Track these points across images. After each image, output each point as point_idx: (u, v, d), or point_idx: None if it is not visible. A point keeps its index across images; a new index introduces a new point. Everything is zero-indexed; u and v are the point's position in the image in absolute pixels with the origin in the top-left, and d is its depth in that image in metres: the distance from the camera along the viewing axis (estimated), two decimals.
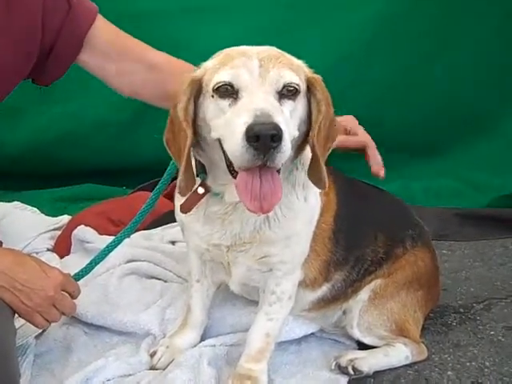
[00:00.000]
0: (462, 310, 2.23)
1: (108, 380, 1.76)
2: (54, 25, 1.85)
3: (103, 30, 1.96)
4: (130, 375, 1.79)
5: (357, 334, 1.92)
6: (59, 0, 1.87)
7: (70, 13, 1.88)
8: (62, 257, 2.37)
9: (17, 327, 1.72)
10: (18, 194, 3.06)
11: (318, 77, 1.56)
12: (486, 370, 1.89)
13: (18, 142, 3.21)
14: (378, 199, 2.00)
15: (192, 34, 3.26)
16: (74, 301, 1.80)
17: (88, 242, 2.35)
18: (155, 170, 2.91)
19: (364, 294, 1.92)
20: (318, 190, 1.72)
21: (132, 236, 2.48)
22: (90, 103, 3.21)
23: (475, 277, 2.51)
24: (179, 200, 1.71)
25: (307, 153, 1.63)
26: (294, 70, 1.48)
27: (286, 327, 1.91)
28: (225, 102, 1.45)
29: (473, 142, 3.58)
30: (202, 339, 1.94)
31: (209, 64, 1.53)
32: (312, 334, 2.00)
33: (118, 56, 1.97)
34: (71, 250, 2.40)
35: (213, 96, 1.47)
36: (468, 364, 1.92)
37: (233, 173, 1.48)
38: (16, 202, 2.72)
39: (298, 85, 1.47)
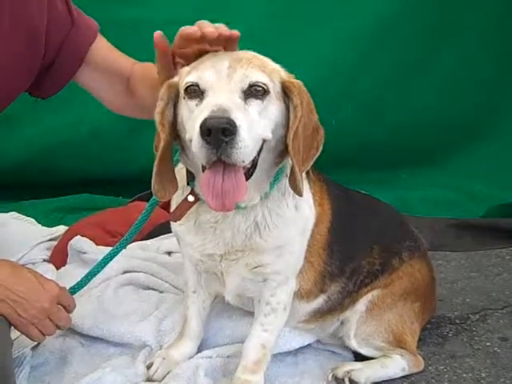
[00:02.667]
0: (457, 321, 2.24)
1: None
2: (56, 40, 1.88)
3: (102, 49, 2.00)
4: None
5: (354, 344, 1.92)
6: (63, 16, 1.89)
7: (72, 30, 1.91)
8: (58, 267, 2.37)
9: (13, 339, 1.72)
10: (14, 204, 3.05)
11: (297, 82, 1.55)
12: (482, 381, 1.90)
13: (15, 152, 3.20)
14: (374, 210, 2.01)
15: None
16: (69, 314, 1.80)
17: (84, 253, 2.35)
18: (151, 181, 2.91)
19: (361, 304, 1.92)
20: (311, 200, 1.73)
21: (128, 247, 2.48)
22: (86, 113, 3.21)
23: (471, 287, 2.51)
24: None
25: None
26: (264, 72, 1.49)
27: (282, 339, 1.91)
28: (193, 103, 1.48)
29: (469, 151, 3.60)
30: (199, 350, 1.93)
31: (185, 68, 1.55)
32: (308, 345, 2.00)
33: (111, 75, 2.01)
34: (67, 261, 2.39)
35: (184, 98, 1.50)
36: (464, 375, 1.93)
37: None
38: (12, 213, 2.72)
39: (265, 84, 1.48)
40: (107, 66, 2.00)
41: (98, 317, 2.03)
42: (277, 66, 1.57)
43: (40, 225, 2.75)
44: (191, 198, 1.64)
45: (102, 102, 2.08)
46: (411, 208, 3.22)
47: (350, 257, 1.88)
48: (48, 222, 2.81)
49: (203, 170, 1.48)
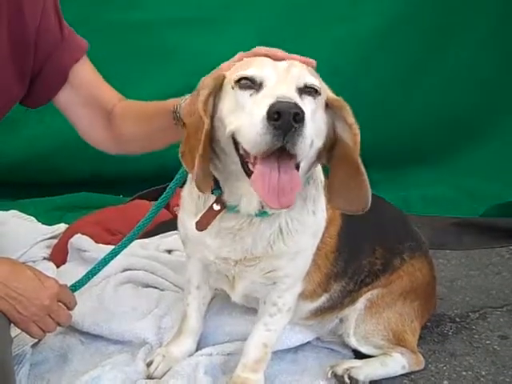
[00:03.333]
0: (457, 319, 2.24)
1: None
2: (44, 51, 1.86)
3: (87, 71, 1.96)
4: None
5: (353, 342, 1.92)
6: (54, 29, 1.88)
7: (61, 44, 1.89)
8: (58, 265, 2.37)
9: (13, 336, 1.72)
10: (14, 202, 3.05)
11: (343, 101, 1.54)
12: (481, 379, 1.90)
13: (15, 150, 3.20)
14: (380, 211, 2.00)
15: (182, 45, 3.28)
16: (70, 311, 1.80)
17: (84, 251, 2.35)
18: (152, 179, 2.92)
19: (360, 303, 1.92)
20: (324, 204, 1.70)
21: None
22: None
23: (471, 286, 2.52)
24: (185, 213, 1.70)
25: (318, 170, 1.64)
26: (317, 78, 1.48)
27: (282, 336, 1.91)
28: (246, 93, 1.42)
29: (469, 150, 3.61)
30: (199, 348, 1.94)
31: (237, 64, 1.53)
32: (308, 342, 2.00)
33: (92, 103, 1.95)
34: (67, 259, 2.40)
35: (233, 88, 1.45)
36: (464, 373, 1.93)
37: (248, 172, 1.43)
38: (13, 211, 2.72)
39: (319, 87, 1.46)
40: (90, 91, 1.95)
41: (98, 315, 2.03)
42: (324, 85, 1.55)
43: (40, 223, 2.74)
44: (217, 207, 1.59)
45: (78, 131, 2.03)
46: (411, 207, 3.23)
47: (354, 258, 1.88)
48: (48, 221, 2.81)
49: (247, 169, 1.43)
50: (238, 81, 1.44)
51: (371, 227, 1.89)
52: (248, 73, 1.44)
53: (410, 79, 3.51)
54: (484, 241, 2.95)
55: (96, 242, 2.43)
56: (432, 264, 2.08)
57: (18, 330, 1.74)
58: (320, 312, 1.91)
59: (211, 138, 1.50)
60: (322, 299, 1.88)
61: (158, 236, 2.59)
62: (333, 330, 1.98)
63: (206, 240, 1.67)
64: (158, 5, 3.28)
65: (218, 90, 1.50)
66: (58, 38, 1.88)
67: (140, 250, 2.41)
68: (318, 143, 1.49)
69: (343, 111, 1.51)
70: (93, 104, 1.95)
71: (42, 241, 2.51)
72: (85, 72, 1.95)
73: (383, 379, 1.88)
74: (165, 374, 1.83)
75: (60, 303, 1.74)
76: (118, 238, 2.51)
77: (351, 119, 1.50)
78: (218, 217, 1.61)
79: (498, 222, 3.05)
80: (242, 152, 1.43)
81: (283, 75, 1.43)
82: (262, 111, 1.30)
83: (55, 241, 2.53)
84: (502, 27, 3.52)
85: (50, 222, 2.77)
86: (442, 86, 3.54)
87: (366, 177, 1.49)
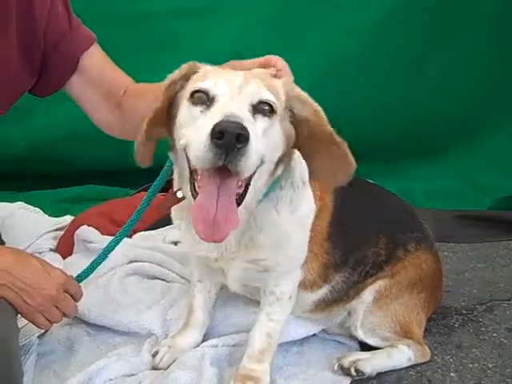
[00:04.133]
0: (464, 312, 2.23)
1: (110, 380, 1.76)
2: (52, 40, 1.87)
3: (97, 59, 1.97)
4: (132, 375, 1.79)
5: (360, 334, 1.92)
6: (62, 19, 1.89)
7: (69, 33, 1.90)
8: (64, 257, 2.37)
9: (20, 327, 1.72)
10: (21, 194, 3.06)
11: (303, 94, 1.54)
12: (488, 371, 1.89)
13: (23, 142, 3.21)
14: (380, 199, 2.00)
15: (186, 35, 3.28)
16: (76, 302, 1.80)
17: (90, 242, 2.35)
18: (158, 171, 2.91)
19: (368, 295, 1.91)
20: (311, 196, 1.71)
21: (134, 236, 2.50)
22: None
23: (478, 278, 2.51)
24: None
25: (300, 170, 1.63)
26: (273, 92, 1.47)
27: (288, 328, 1.90)
28: (197, 109, 1.44)
29: (475, 142, 3.59)
30: (205, 339, 1.93)
31: (198, 73, 1.53)
32: (314, 335, 2.00)
33: (103, 88, 1.97)
34: (74, 250, 2.40)
35: (187, 100, 1.46)
36: (470, 365, 1.92)
37: (193, 194, 1.45)
38: (19, 203, 2.72)
39: (274, 103, 1.45)
40: (101, 77, 1.97)
41: (104, 306, 2.03)
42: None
43: (46, 215, 2.75)
44: (180, 194, 1.62)
45: (91, 118, 2.05)
46: (417, 200, 3.22)
47: (354, 247, 1.88)
48: (54, 213, 2.82)
49: (193, 189, 1.45)
50: (192, 95, 1.45)
51: (373, 216, 1.89)
52: (202, 85, 1.45)
53: (413, 71, 3.51)
54: (491, 233, 2.94)
55: (102, 233, 2.42)
56: (438, 256, 2.06)
57: (25, 321, 1.74)
58: (325, 304, 1.91)
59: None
60: (324, 290, 1.88)
61: (163, 228, 2.59)
62: (341, 322, 1.98)
63: (183, 235, 1.72)
64: None
65: (182, 84, 1.52)
66: (66, 28, 1.89)
67: (146, 242, 2.41)
68: (275, 155, 1.50)
69: (299, 98, 1.52)
70: (105, 88, 1.96)
71: (48, 232, 2.52)
72: (95, 59, 1.96)
73: (390, 371, 1.88)
74: (170, 364, 1.83)
75: (66, 294, 1.75)
76: None
77: (305, 97, 1.52)
78: (187, 209, 1.62)
79: (505, 215, 3.04)
80: (192, 167, 1.45)
81: (237, 91, 1.43)
82: (208, 128, 1.31)
83: (61, 232, 2.54)
84: (504, 21, 3.51)
85: (56, 214, 2.79)
86: (446, 77, 3.53)
87: (344, 143, 1.51)
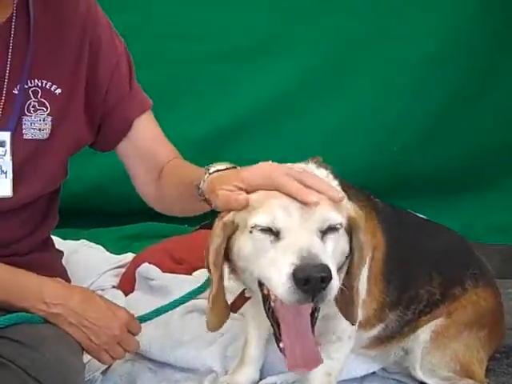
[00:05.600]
0: None
1: None
2: (113, 98, 1.87)
3: (148, 126, 1.95)
4: None
5: (420, 375, 1.90)
6: (123, 80, 1.89)
7: (127, 95, 1.90)
8: (126, 294, 2.43)
9: (84, 362, 1.78)
10: (83, 232, 3.14)
11: (360, 216, 1.54)
12: None
13: (86, 179, 3.28)
14: (432, 235, 1.98)
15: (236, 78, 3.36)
16: (138, 338, 1.84)
17: (152, 279, 2.40)
18: (216, 210, 2.96)
19: (425, 334, 1.90)
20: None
21: (195, 273, 2.53)
22: None
23: None
24: None
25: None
26: (337, 210, 1.45)
27: (348, 365, 1.90)
28: (266, 239, 1.40)
29: None
30: (263, 376, 1.95)
31: (250, 205, 1.46)
32: (374, 373, 1.99)
33: (147, 159, 1.93)
34: (135, 287, 2.45)
35: (250, 232, 1.42)
36: None
37: (272, 320, 1.49)
38: (83, 240, 2.81)
39: (341, 223, 1.44)
40: (149, 146, 1.93)
41: (165, 343, 2.07)
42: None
43: (108, 252, 2.82)
44: (248, 294, 1.65)
45: (133, 183, 2.02)
46: (478, 235, 3.16)
47: (408, 285, 1.87)
48: (115, 250, 2.88)
49: (271, 315, 1.48)
50: (254, 228, 1.42)
51: (427, 254, 1.88)
52: (263, 223, 1.40)
53: (467, 100, 3.48)
54: None
55: (163, 270, 2.48)
56: (498, 292, 2.03)
57: (89, 357, 1.80)
58: (379, 341, 1.90)
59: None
60: (378, 328, 1.88)
61: None
62: (398, 361, 1.97)
63: None
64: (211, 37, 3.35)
65: (229, 234, 1.49)
66: (126, 89, 1.90)
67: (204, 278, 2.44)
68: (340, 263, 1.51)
69: (357, 230, 1.51)
70: (149, 160, 1.93)
71: (110, 270, 2.58)
72: (147, 126, 1.94)
73: None
74: None
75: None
76: (183, 268, 2.57)
77: (362, 237, 1.52)
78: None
79: None
80: (265, 292, 1.48)
81: (300, 220, 1.40)
82: (288, 270, 1.32)
83: (123, 270, 2.60)
84: None
85: (117, 252, 2.85)
86: (500, 105, 3.49)
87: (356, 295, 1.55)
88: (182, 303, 1.91)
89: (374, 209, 1.81)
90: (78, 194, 3.27)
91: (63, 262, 2.12)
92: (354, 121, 3.43)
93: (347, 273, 1.54)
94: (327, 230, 1.42)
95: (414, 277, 1.89)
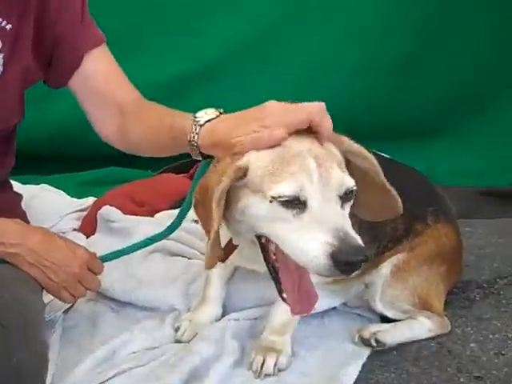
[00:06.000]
0: (485, 285, 2.22)
1: (133, 352, 1.80)
2: (62, 29, 1.81)
3: (104, 63, 1.88)
4: (156, 348, 1.83)
5: (379, 307, 1.93)
6: (75, 7, 1.83)
7: (80, 25, 1.83)
8: (87, 236, 2.40)
9: (45, 303, 1.77)
10: (44, 177, 3.09)
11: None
12: (509, 341, 1.90)
13: (46, 125, 3.21)
14: (395, 173, 1.98)
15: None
16: (99, 278, 1.83)
17: (113, 222, 2.38)
18: (179, 155, 2.95)
19: (386, 268, 1.92)
20: None
21: (157, 215, 2.53)
22: None
23: (499, 253, 2.49)
24: None
25: None
26: (345, 170, 1.44)
27: None
28: (288, 213, 1.37)
29: (496, 119, 3.55)
30: (226, 313, 1.96)
31: (255, 156, 1.41)
32: (335, 308, 2.01)
33: (102, 94, 1.86)
34: (96, 230, 2.43)
35: (271, 201, 1.37)
36: (491, 336, 1.93)
37: (273, 273, 1.53)
38: (43, 185, 2.77)
39: (355, 189, 1.43)
40: (104, 82, 1.86)
41: (127, 282, 2.07)
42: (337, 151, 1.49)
43: (69, 197, 2.78)
44: (236, 243, 1.63)
45: (89, 120, 1.93)
46: (440, 178, 3.19)
47: (373, 222, 1.88)
48: (76, 195, 2.84)
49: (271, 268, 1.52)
50: (275, 198, 1.37)
51: None
52: (286, 192, 1.35)
53: (431, 49, 3.46)
54: None
55: (124, 213, 2.46)
56: (458, 230, 2.06)
57: (50, 297, 1.78)
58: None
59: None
60: None
61: None
62: (359, 295, 1.99)
63: None
64: None
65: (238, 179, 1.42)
66: (77, 19, 1.83)
67: (167, 220, 2.43)
68: None
69: (360, 154, 1.52)
70: (104, 96, 1.86)
71: (71, 213, 2.55)
72: (101, 62, 1.87)
73: (410, 342, 1.89)
74: (192, 338, 1.86)
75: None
76: (145, 210, 2.56)
77: (365, 152, 1.53)
78: None
79: None
80: (263, 241, 1.49)
81: (320, 185, 1.36)
82: (325, 248, 1.31)
83: (84, 213, 2.57)
84: None
85: (78, 196, 2.81)
86: (466, 53, 3.48)
87: (393, 190, 1.57)
88: (144, 246, 1.91)
89: None
90: (38, 139, 3.21)
91: (22, 205, 2.08)
92: (318, 62, 3.40)
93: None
94: (344, 197, 1.41)
95: None
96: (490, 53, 3.49)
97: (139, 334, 1.85)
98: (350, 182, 1.42)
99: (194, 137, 1.53)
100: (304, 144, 1.42)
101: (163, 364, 1.75)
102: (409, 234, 1.93)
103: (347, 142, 1.52)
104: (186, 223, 2.41)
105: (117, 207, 2.49)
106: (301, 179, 1.36)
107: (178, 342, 1.87)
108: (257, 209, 1.41)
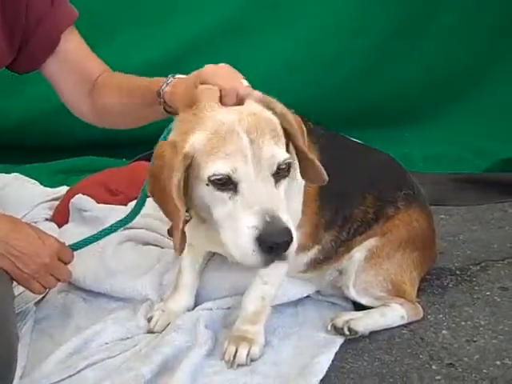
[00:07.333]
0: (458, 272, 2.24)
1: (106, 343, 1.80)
2: (35, 13, 1.83)
3: (74, 40, 1.93)
4: (128, 338, 1.83)
5: (353, 294, 1.93)
6: None
7: (52, 10, 1.86)
8: (60, 226, 2.38)
9: (16, 294, 1.75)
10: (17, 167, 3.06)
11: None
12: (480, 328, 1.91)
13: (16, 113, 3.18)
14: (365, 157, 1.99)
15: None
16: (71, 268, 1.81)
17: (85, 211, 2.36)
18: (154, 142, 2.93)
19: (359, 254, 1.93)
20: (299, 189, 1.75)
21: (130, 204, 2.50)
22: None
23: (473, 240, 2.51)
24: None
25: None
26: (280, 143, 1.45)
27: (282, 289, 1.91)
28: (224, 195, 1.41)
29: (472, 106, 3.57)
30: (199, 303, 1.95)
31: (196, 140, 1.44)
32: (308, 296, 2.01)
33: (77, 72, 1.93)
34: (69, 219, 2.41)
35: (207, 185, 1.42)
36: (463, 323, 1.94)
37: None
38: (15, 174, 2.73)
39: (288, 162, 1.44)
40: (75, 61, 1.92)
41: (99, 272, 2.05)
42: (272, 116, 1.51)
43: (42, 186, 2.75)
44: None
45: (63, 100, 2.00)
46: (414, 165, 3.20)
47: (342, 206, 1.89)
48: (51, 184, 2.82)
49: None
50: (213, 180, 1.41)
51: (360, 174, 1.89)
52: (219, 170, 1.39)
53: (407, 36, 3.48)
54: (487, 196, 2.93)
55: (97, 202, 2.43)
56: (431, 215, 2.07)
57: (22, 289, 1.77)
58: (316, 264, 1.92)
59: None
60: (314, 251, 1.90)
61: None
62: (332, 282, 1.99)
63: None
64: None
65: (187, 167, 1.45)
66: (48, 3, 1.85)
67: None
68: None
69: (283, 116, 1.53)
70: (77, 74, 1.92)
71: (43, 202, 2.53)
72: (71, 42, 1.92)
73: (382, 330, 1.90)
74: (165, 328, 1.85)
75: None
76: (118, 199, 2.53)
77: (289, 116, 1.54)
78: None
79: (501, 177, 3.03)
80: None
81: (253, 165, 1.38)
82: (250, 232, 1.35)
83: (57, 202, 2.54)
84: None
85: (52, 186, 2.78)
86: (441, 40, 3.50)
87: (315, 159, 1.56)
88: (112, 232, 1.89)
89: (312, 131, 1.79)
90: (10, 129, 3.18)
91: None
92: (291, 56, 3.40)
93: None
94: (279, 174, 1.42)
95: (348, 196, 1.90)
96: (464, 40, 3.51)
97: (112, 325, 1.84)
98: (282, 156, 1.43)
99: (163, 86, 1.65)
100: (238, 112, 1.46)
101: (135, 354, 1.74)
102: (379, 218, 1.94)
103: (278, 104, 1.54)
104: (160, 212, 2.42)
105: (90, 196, 2.46)
106: (234, 160, 1.39)
107: (150, 332, 1.87)
108: (205, 197, 1.45)
